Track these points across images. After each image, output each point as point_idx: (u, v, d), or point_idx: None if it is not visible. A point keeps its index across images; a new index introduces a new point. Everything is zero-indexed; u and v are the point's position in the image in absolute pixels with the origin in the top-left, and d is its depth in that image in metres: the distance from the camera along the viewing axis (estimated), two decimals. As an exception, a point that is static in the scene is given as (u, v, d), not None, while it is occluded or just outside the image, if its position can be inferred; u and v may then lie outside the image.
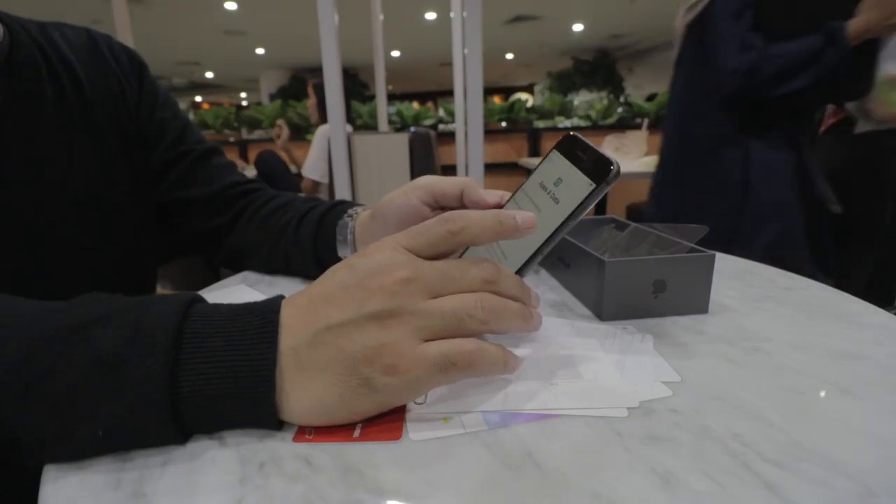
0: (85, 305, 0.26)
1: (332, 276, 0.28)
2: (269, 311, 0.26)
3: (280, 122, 2.49)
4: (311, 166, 2.18)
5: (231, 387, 0.24)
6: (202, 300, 0.28)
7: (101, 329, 0.24)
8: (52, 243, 0.45)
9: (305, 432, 0.26)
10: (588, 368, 0.32)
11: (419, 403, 0.29)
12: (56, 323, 0.24)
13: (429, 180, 0.42)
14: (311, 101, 2.42)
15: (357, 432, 0.26)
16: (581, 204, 0.28)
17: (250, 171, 2.55)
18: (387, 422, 0.26)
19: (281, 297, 0.28)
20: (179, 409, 0.24)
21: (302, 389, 0.25)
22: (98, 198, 0.48)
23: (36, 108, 0.44)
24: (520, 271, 0.30)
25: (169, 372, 0.23)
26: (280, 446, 0.25)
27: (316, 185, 2.19)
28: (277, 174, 2.45)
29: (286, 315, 0.26)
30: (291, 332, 0.26)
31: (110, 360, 0.23)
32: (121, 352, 0.23)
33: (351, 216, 0.48)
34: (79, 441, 0.24)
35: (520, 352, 0.35)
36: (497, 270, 0.28)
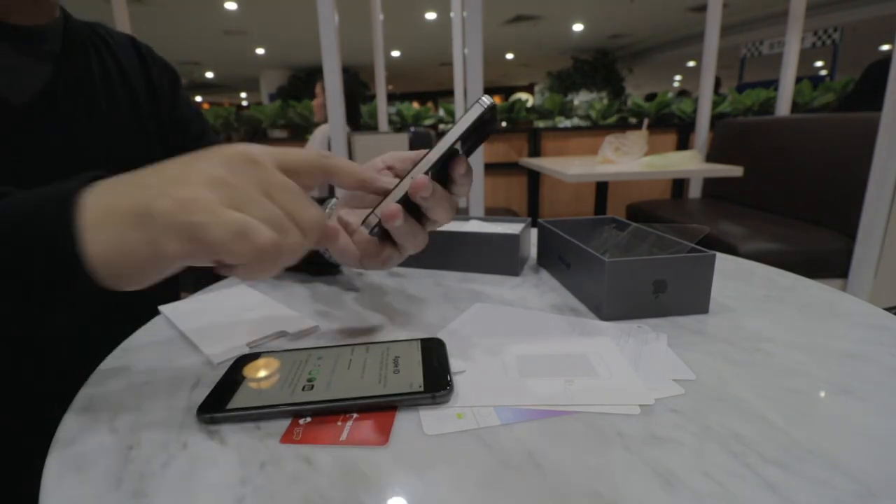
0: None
1: None
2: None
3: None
4: None
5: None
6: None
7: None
8: None
9: (293, 434, 0.26)
10: (603, 366, 0.32)
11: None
12: None
13: (389, 153, 0.42)
14: (318, 101, 2.41)
15: (344, 436, 0.26)
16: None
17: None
18: (375, 427, 0.26)
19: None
20: None
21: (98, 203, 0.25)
22: None
23: (85, 86, 0.47)
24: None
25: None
26: (280, 446, 0.25)
27: None
28: None
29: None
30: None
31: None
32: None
33: (329, 214, 0.48)
34: None
35: (535, 350, 0.35)
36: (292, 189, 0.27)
